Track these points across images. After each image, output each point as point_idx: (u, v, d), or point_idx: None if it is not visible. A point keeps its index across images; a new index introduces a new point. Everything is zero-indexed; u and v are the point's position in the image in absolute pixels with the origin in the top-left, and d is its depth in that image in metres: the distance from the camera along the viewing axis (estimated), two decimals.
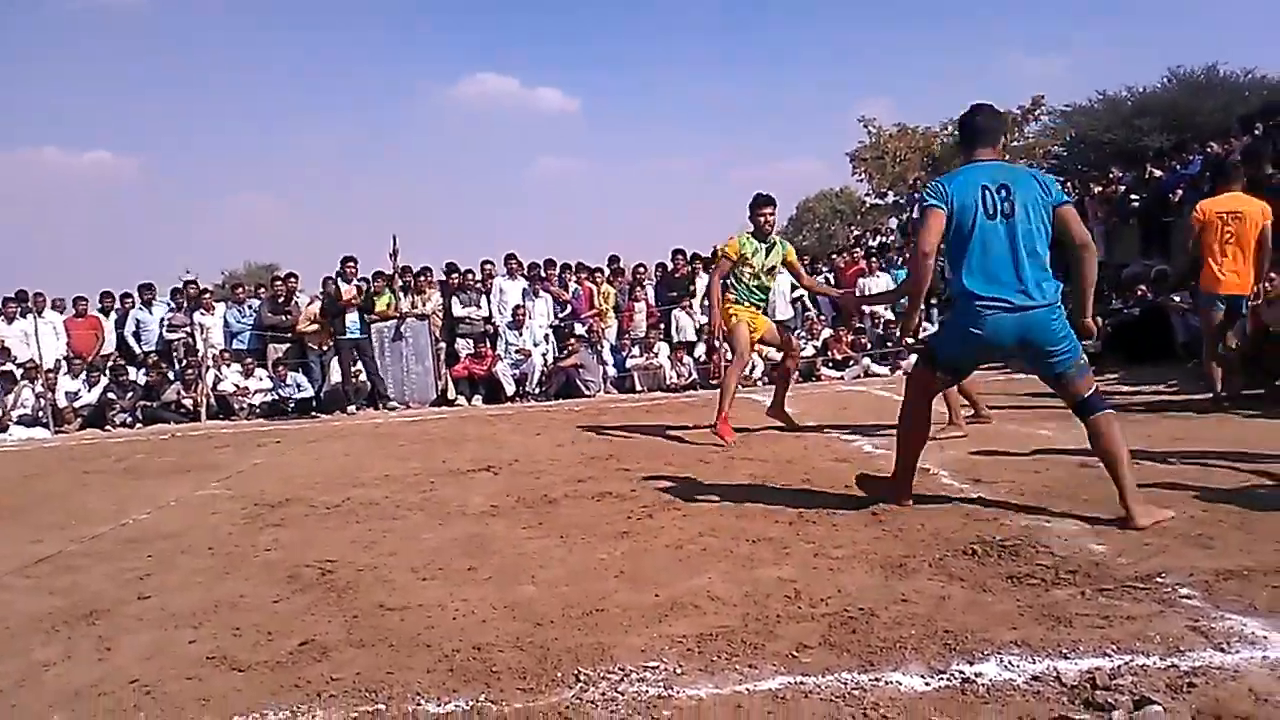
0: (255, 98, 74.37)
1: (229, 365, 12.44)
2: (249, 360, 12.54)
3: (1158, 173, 12.18)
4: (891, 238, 17.53)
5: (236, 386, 12.18)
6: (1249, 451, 4.95)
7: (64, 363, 12.51)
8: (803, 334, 12.85)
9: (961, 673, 2.34)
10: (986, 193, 3.81)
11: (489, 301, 13.05)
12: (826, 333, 12.65)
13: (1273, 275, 6.94)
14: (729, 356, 7.36)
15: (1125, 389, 8.31)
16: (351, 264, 12.18)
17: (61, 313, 13.30)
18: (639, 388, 12.26)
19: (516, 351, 12.41)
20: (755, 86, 68.28)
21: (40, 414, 12.02)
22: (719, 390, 6.94)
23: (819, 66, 63.34)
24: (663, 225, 66.48)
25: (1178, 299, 9.40)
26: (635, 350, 12.57)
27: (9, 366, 12.39)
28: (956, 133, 4.43)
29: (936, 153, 27.24)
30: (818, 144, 67.83)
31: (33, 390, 12.19)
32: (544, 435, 7.88)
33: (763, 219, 6.80)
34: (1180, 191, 11.28)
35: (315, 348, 12.29)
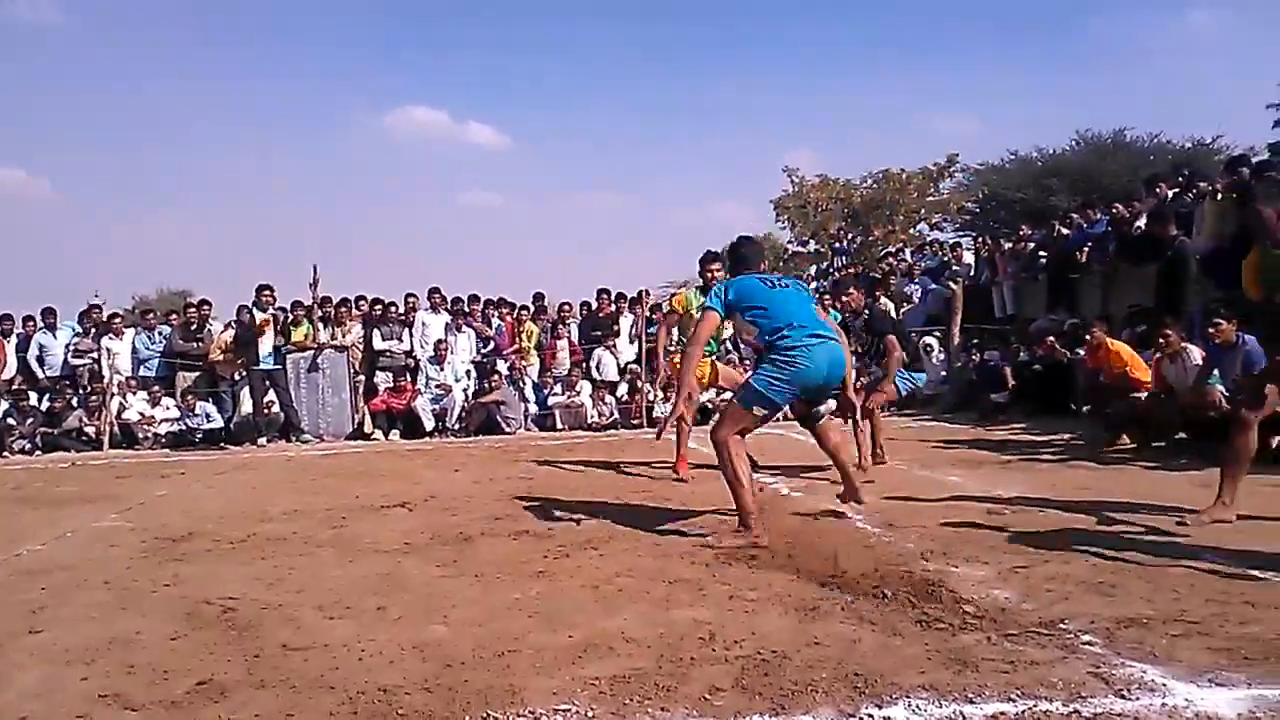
0: (176, 119, 72.56)
1: (135, 393, 12.02)
2: (156, 388, 12.12)
3: (1065, 231, 12.70)
4: (811, 285, 17.87)
5: (142, 415, 11.75)
6: (1149, 502, 5.14)
7: None
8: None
9: (871, 716, 2.36)
10: (765, 280, 4.84)
11: (411, 335, 12.88)
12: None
13: (1168, 333, 7.26)
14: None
15: (1032, 438, 8.57)
16: (267, 292, 11.88)
17: None
18: (560, 425, 12.21)
19: (437, 386, 12.26)
20: (683, 130, 69.32)
21: None
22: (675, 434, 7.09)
23: (745, 114, 64.59)
24: (589, 263, 66.67)
25: (1080, 353, 9.76)
26: (558, 388, 12.52)
27: None
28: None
29: (856, 204, 28.04)
30: (742, 190, 68.89)
31: None
32: (462, 472, 7.77)
33: (709, 275, 6.88)
34: (1087, 249, 11.80)
35: (226, 377, 11.98)
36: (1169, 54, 55.19)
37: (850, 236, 25.03)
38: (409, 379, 12.25)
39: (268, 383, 11.44)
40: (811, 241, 29.31)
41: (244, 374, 11.64)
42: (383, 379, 12.38)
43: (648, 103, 66.23)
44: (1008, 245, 14.18)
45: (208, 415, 11.78)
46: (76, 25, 62.52)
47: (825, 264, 22.49)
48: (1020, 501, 5.28)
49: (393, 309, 13.09)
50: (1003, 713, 2.34)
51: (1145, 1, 55.84)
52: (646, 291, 13.65)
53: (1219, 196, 9.71)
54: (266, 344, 11.37)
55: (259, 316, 11.45)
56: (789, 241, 32.07)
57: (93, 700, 2.68)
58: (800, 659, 2.79)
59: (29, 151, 65.06)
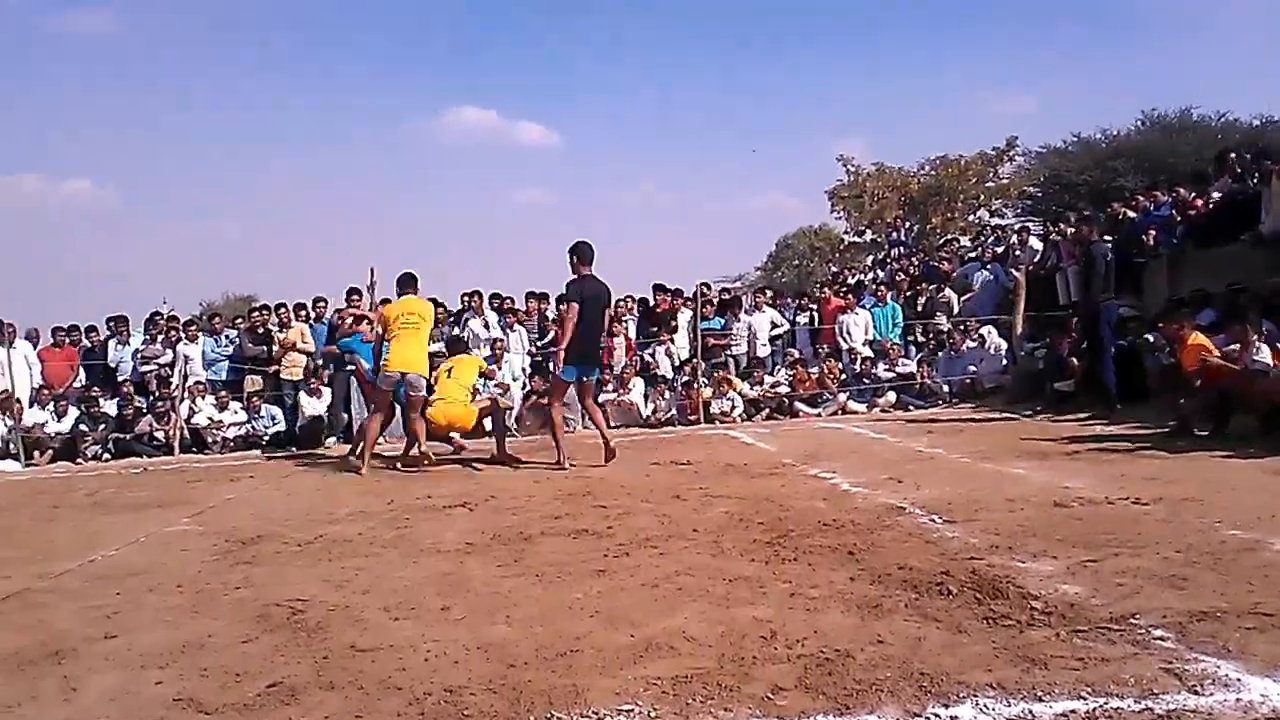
0: (234, 128, 74.27)
1: (204, 397, 12.32)
2: (223, 393, 12.42)
3: (1130, 214, 12.37)
4: (869, 275, 17.67)
5: (210, 419, 12.05)
6: (1220, 491, 5.00)
7: (35, 393, 12.35)
8: (781, 369, 12.90)
9: (937, 715, 2.33)
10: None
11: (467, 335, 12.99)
12: (809, 369, 12.67)
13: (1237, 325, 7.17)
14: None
15: (1100, 428, 8.37)
16: (357, 295, 12.04)
17: (35, 343, 13.16)
18: (613, 423, 12.22)
19: (495, 385, 12.34)
20: (734, 122, 69.00)
21: (10, 445, 11.84)
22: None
23: (795, 103, 64.04)
24: (642, 258, 66.72)
25: (1151, 339, 9.51)
26: (610, 385, 12.55)
27: None
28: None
29: (914, 192, 27.61)
30: (793, 181, 68.41)
31: (3, 422, 12.01)
32: (521, 471, 7.83)
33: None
34: (1153, 233, 11.48)
35: (289, 379, 12.21)
36: (1233, 27, 53.54)
37: (908, 225, 24.63)
38: None
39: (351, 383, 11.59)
40: (868, 231, 28.97)
41: (300, 377, 11.86)
42: None
43: (695, 95, 66.16)
44: (1070, 230, 13.86)
45: (273, 418, 12.02)
46: (131, 34, 64.31)
47: (882, 254, 22.16)
48: (1088, 493, 5.16)
49: (440, 309, 13.16)
50: (1073, 711, 2.29)
51: None
52: (706, 285, 13.60)
53: None
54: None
55: (348, 320, 11.65)
56: (845, 232, 31.80)
57: (167, 704, 2.76)
58: (864, 657, 2.77)
59: (93, 162, 67.25)
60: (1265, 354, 6.94)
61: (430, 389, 8.56)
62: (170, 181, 67.96)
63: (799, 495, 5.74)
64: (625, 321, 13.64)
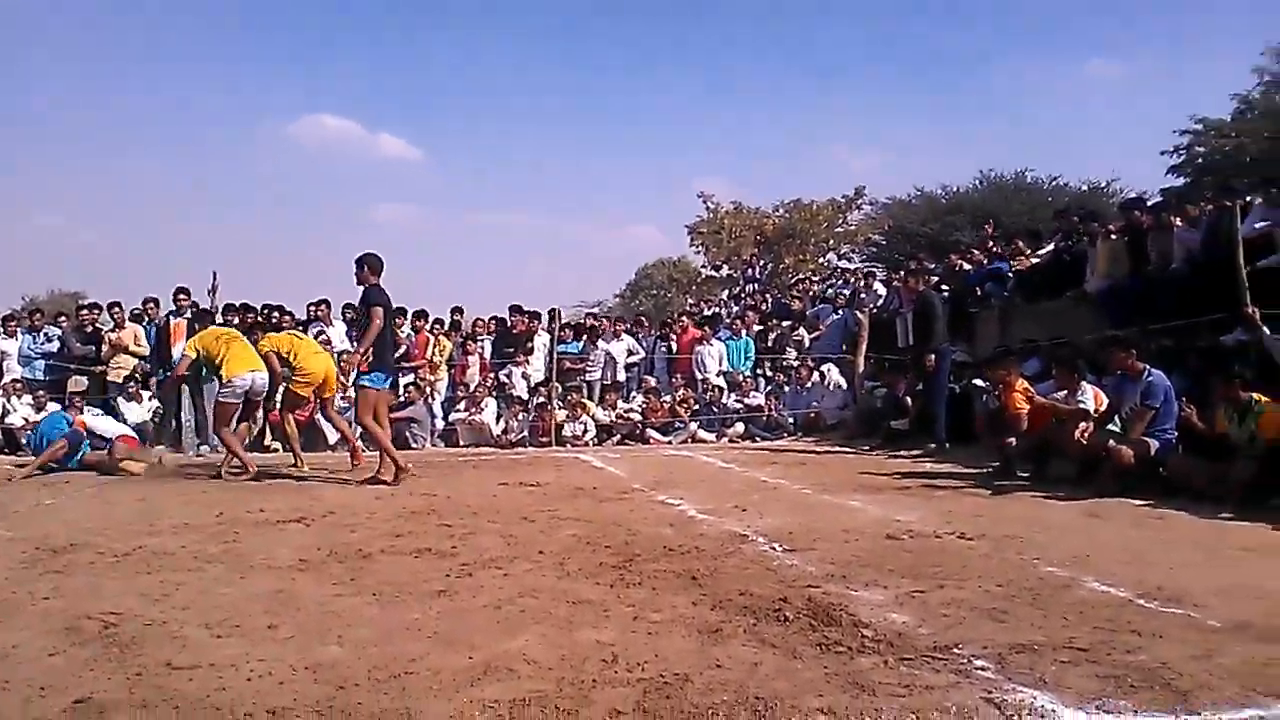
0: (74, 120, 69.79)
1: (19, 396, 11.43)
2: (41, 392, 11.55)
3: (966, 266, 13.13)
4: (722, 309, 18.10)
5: (26, 420, 11.16)
6: (1040, 530, 5.32)
7: None
8: (636, 396, 13.02)
9: None
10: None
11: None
12: (663, 398, 12.82)
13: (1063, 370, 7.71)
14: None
15: (930, 466, 8.80)
16: (184, 295, 11.49)
17: None
18: (463, 442, 12.05)
19: (341, 398, 11.94)
20: (599, 149, 69.75)
21: None
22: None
23: (663, 137, 65.36)
24: (500, 279, 66.31)
25: (979, 384, 10.09)
26: (462, 404, 12.37)
27: None
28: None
29: (769, 232, 28.55)
30: (657, 213, 69.71)
31: None
32: (364, 487, 7.59)
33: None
34: (983, 286, 12.24)
35: (115, 380, 11.52)
36: (1068, 100, 58.06)
37: (762, 263, 25.47)
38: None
39: (184, 389, 11.02)
40: (724, 267, 29.74)
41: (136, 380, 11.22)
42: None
43: (565, 122, 66.56)
44: (906, 279, 14.58)
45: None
46: None
47: (737, 289, 22.80)
48: (918, 527, 5.40)
49: (287, 319, 12.69)
50: None
51: (1047, 49, 58.58)
52: (558, 311, 13.61)
53: (1113, 237, 10.20)
54: (179, 349, 10.94)
55: (174, 321, 11.10)
56: (703, 266, 32.53)
57: None
58: (702, 681, 2.79)
59: None
60: (1088, 398, 7.45)
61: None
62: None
63: (647, 520, 5.78)
64: (480, 341, 13.50)
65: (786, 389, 12.98)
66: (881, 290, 14.91)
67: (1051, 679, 2.81)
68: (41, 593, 3.99)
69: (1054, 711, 2.56)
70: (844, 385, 12.65)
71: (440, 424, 12.36)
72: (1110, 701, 2.61)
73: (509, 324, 13.72)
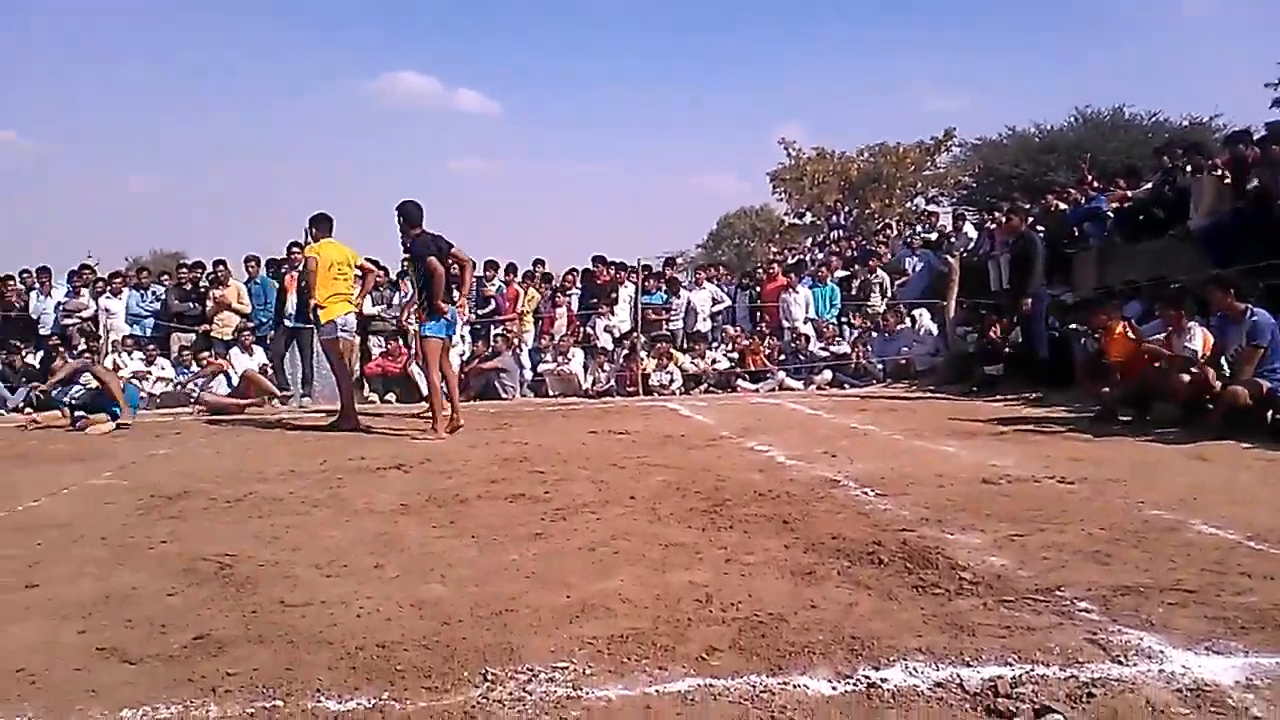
0: (167, 83, 72.13)
1: (130, 352, 11.97)
2: (152, 347, 12.08)
3: (1062, 206, 12.65)
4: (808, 256, 17.82)
5: (136, 374, 11.70)
6: (1143, 473, 5.16)
7: None
8: (720, 345, 12.98)
9: (867, 678, 2.37)
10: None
11: (399, 298, 12.81)
12: (744, 345, 12.77)
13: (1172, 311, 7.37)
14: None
15: (1027, 411, 8.59)
16: (297, 249, 11.72)
17: None
18: (552, 392, 12.21)
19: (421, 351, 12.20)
20: (678, 100, 68.99)
21: None
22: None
23: (739, 85, 64.34)
24: (580, 231, 66.59)
25: (1078, 327, 9.77)
26: (549, 355, 12.51)
27: None
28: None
29: (853, 177, 27.94)
30: (736, 162, 68.98)
31: None
32: (458, 435, 7.76)
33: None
34: (1081, 225, 11.78)
35: (220, 338, 11.96)
36: (1167, 32, 54.97)
37: (847, 209, 24.95)
38: (402, 343, 12.20)
39: (294, 341, 11.39)
40: (808, 214, 29.28)
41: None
42: (376, 343, 12.32)
43: (640, 72, 65.86)
44: (1003, 219, 14.13)
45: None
46: None
47: (821, 236, 22.42)
48: (1015, 472, 5.29)
49: (382, 272, 12.97)
50: (999, 676, 2.35)
51: None
52: (642, 264, 13.59)
53: (1217, 172, 9.68)
54: (291, 302, 11.30)
55: (287, 275, 11.44)
56: (785, 214, 32.11)
57: (90, 653, 2.68)
58: (797, 621, 2.80)
59: (18, 113, 64.68)
60: (1197, 340, 7.15)
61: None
62: (97, 135, 65.76)
63: (736, 466, 5.79)
64: (569, 293, 13.60)
65: (874, 335, 12.79)
66: (972, 233, 14.51)
67: (1159, 620, 2.74)
68: (159, 537, 4.20)
69: (1162, 652, 2.49)
70: (934, 331, 12.40)
71: (529, 375, 12.54)
72: (1220, 643, 2.54)
73: (594, 274, 13.77)
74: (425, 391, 11.32)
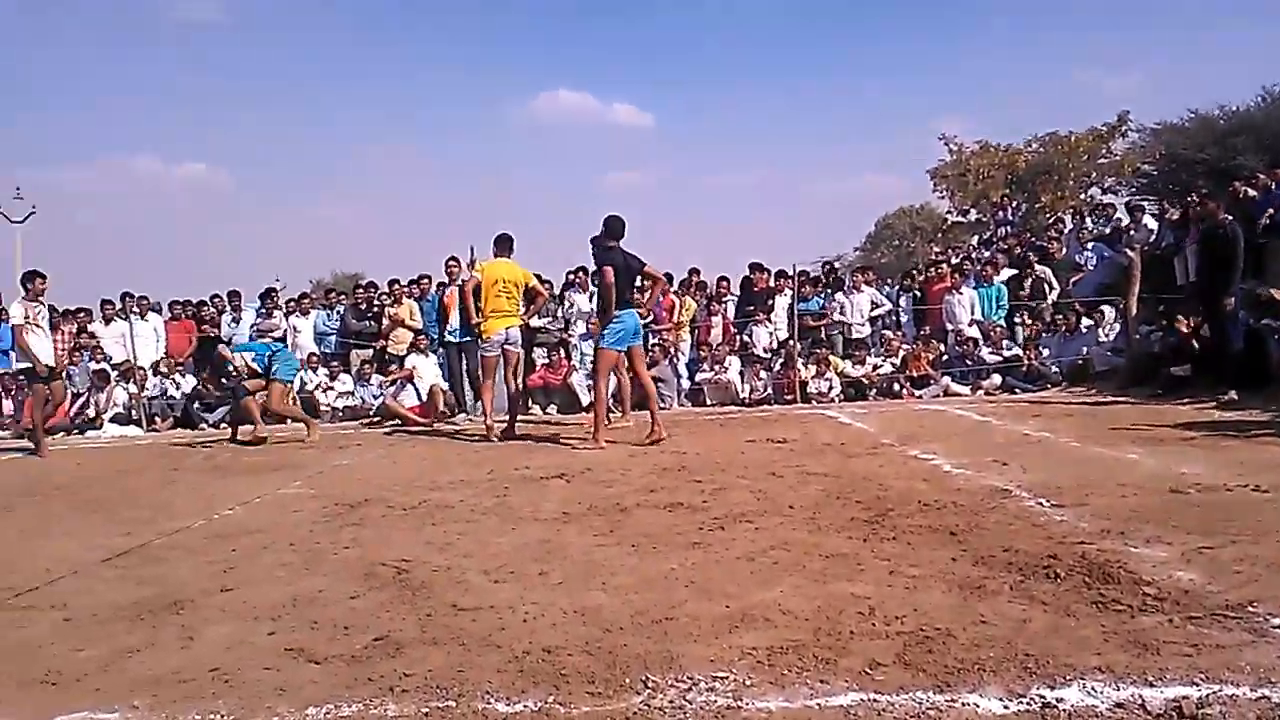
0: (336, 112, 77.00)
1: (315, 369, 12.77)
2: (335, 364, 12.86)
3: (1251, 193, 11.72)
4: (974, 254, 17.12)
5: (322, 389, 12.47)
6: None
7: (157, 363, 13.02)
8: (881, 350, 12.69)
9: (1042, 697, 2.27)
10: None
11: (563, 311, 13.14)
12: (905, 350, 12.42)
13: None
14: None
15: (1216, 414, 7.99)
16: (454, 263, 12.18)
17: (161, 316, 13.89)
18: (709, 401, 12.23)
19: (591, 361, 12.45)
20: (832, 102, 67.92)
21: (133, 412, 12.50)
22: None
23: (895, 82, 62.74)
24: (736, 240, 66.52)
25: (1273, 322, 9.02)
26: (706, 364, 12.54)
27: (104, 366, 12.94)
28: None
29: (1020, 170, 26.70)
30: (894, 161, 67.22)
31: (126, 390, 12.68)
32: (617, 445, 7.89)
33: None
34: (1273, 213, 10.86)
35: (395, 354, 12.55)
36: None
37: (1015, 204, 23.85)
38: (564, 354, 12.50)
39: (460, 355, 11.85)
40: (972, 211, 28.19)
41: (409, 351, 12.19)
42: (538, 355, 12.67)
43: (791, 75, 65.15)
44: (1194, 208, 13.18)
45: (380, 387, 12.39)
46: (237, 23, 67.08)
47: (988, 234, 21.52)
48: (1205, 479, 4.93)
49: (547, 284, 13.34)
50: (1185, 697, 2.20)
51: None
52: (798, 270, 13.44)
53: None
54: (455, 317, 11.77)
55: (446, 291, 11.92)
56: (948, 212, 31.02)
57: (279, 653, 2.88)
58: (966, 637, 2.71)
59: (210, 146, 70.41)
60: None
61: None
62: (279, 165, 70.72)
63: (898, 475, 5.64)
64: (724, 301, 13.61)
65: (1048, 336, 12.18)
66: (1152, 224, 13.59)
67: None
68: (342, 543, 4.47)
69: None
70: (1115, 330, 11.69)
71: (686, 384, 12.62)
72: None
73: (751, 281, 13.72)
74: (587, 401, 11.64)
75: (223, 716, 2.40)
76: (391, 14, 75.38)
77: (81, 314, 14.11)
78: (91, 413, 12.62)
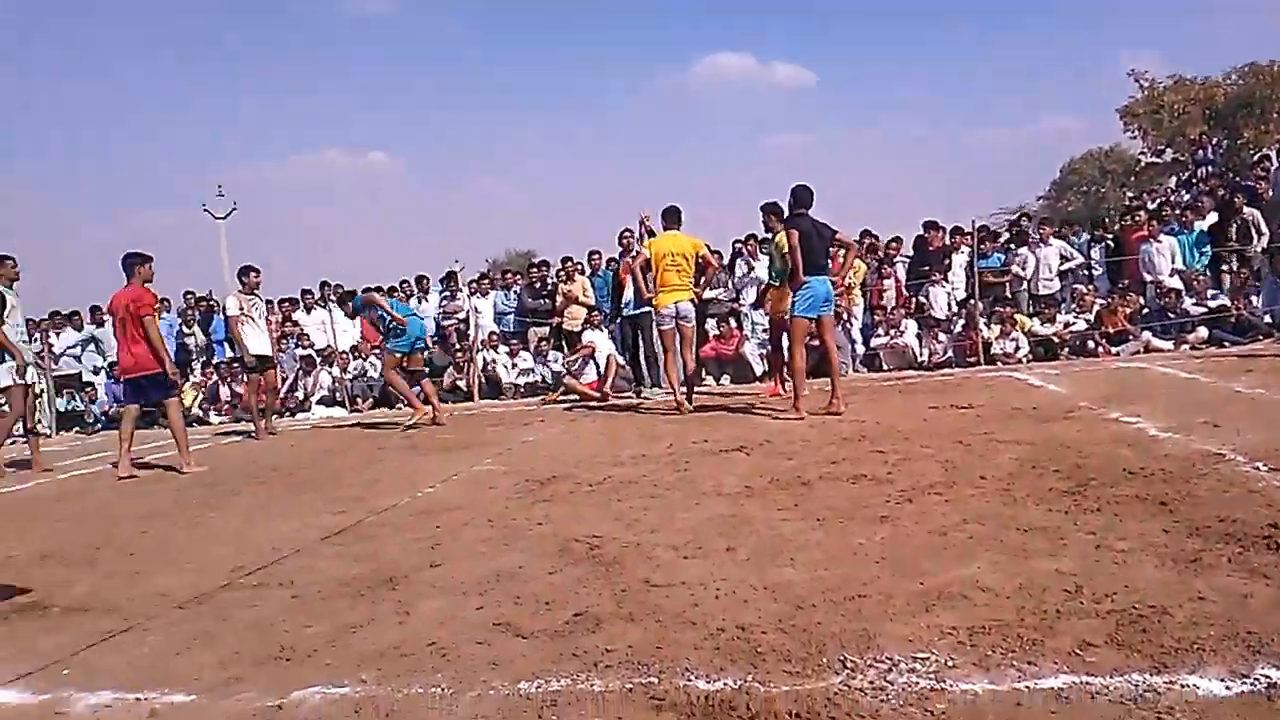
0: (496, 92, 79.48)
1: (495, 348, 13.29)
2: (514, 342, 13.35)
3: None
4: (1173, 198, 15.89)
5: (505, 367, 12.98)
6: None
7: (354, 349, 13.90)
8: (1072, 306, 12.02)
9: (1268, 677, 2.14)
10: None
11: (733, 280, 13.10)
12: (1099, 305, 11.70)
13: None
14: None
15: None
16: (629, 234, 12.01)
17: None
18: (886, 366, 11.93)
19: (763, 330, 12.38)
20: (1007, 42, 64.27)
21: (337, 394, 13.41)
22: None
23: (1075, 18, 58.63)
24: (907, 197, 64.27)
25: None
26: (880, 329, 12.22)
27: (309, 352, 13.93)
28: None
29: (1220, 104, 24.55)
30: (1075, 100, 62.99)
31: (329, 373, 13.62)
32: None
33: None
34: None
35: (570, 329, 12.87)
36: None
37: (1215, 141, 21.97)
38: (735, 325, 12.48)
39: (634, 329, 11.99)
40: (1168, 150, 26.19)
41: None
42: (710, 326, 12.69)
43: (959, 22, 62.06)
44: None
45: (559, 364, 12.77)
46: (406, 13, 69.96)
47: (1186, 175, 19.92)
48: None
49: (717, 255, 13.31)
50: None
51: None
52: (977, 225, 12.86)
53: None
54: (629, 290, 11.90)
55: (623, 262, 12.09)
56: (1140, 152, 28.96)
57: (488, 628, 3.05)
58: (1182, 614, 2.57)
59: (386, 134, 74.07)
60: None
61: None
62: (451, 148, 73.61)
63: (1098, 441, 5.36)
64: (894, 262, 13.21)
65: (1259, 284, 11.19)
66: None
67: None
68: (535, 519, 4.66)
69: None
70: None
71: (860, 349, 12.35)
72: None
73: (925, 240, 13.25)
74: (760, 370, 11.60)
75: (442, 689, 2.57)
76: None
77: (286, 303, 15.20)
78: (300, 395, 13.61)
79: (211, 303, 15.82)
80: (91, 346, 15.25)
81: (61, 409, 14.45)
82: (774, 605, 2.98)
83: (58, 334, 15.23)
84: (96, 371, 14.94)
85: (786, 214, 8.16)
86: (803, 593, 3.07)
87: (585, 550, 3.91)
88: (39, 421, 10.87)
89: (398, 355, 9.95)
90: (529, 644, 2.85)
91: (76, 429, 14.23)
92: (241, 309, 10.20)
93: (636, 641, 2.77)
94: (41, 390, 12.15)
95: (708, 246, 9.66)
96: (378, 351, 13.44)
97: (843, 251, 8.43)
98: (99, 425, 14.10)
